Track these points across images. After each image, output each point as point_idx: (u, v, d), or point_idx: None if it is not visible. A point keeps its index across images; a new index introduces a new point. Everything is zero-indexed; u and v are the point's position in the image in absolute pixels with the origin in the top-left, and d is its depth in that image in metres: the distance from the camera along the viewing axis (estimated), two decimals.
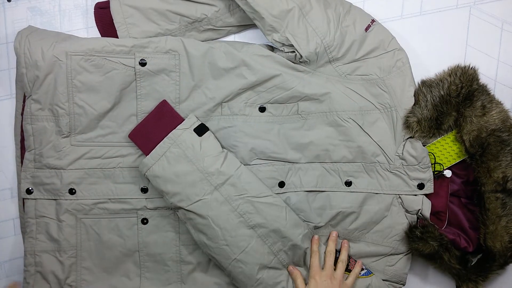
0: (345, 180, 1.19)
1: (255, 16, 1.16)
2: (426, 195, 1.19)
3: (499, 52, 1.28)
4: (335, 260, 1.15)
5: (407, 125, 1.15)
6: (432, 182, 1.17)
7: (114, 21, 1.19)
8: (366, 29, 1.17)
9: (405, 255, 1.19)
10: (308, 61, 1.17)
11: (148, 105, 1.17)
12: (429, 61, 1.26)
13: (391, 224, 1.19)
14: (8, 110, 1.26)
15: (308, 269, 1.15)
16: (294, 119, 1.19)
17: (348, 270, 1.14)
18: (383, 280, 1.18)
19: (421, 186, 1.17)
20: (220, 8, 1.21)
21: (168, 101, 1.17)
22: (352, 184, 1.19)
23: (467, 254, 1.19)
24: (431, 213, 1.18)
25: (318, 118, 1.19)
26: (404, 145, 1.17)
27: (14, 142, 1.22)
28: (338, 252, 1.18)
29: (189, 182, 1.12)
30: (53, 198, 1.18)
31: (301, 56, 1.16)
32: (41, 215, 1.19)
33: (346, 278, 1.14)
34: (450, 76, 1.15)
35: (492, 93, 1.17)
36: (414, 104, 1.16)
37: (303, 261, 1.15)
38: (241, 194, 1.13)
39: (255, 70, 1.16)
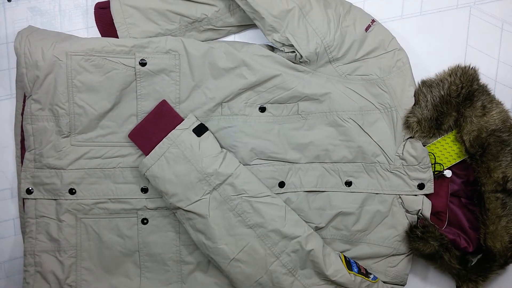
0: (345, 180, 1.19)
1: (255, 16, 1.16)
2: (426, 195, 1.18)
3: (499, 52, 1.28)
4: (345, 260, 1.15)
5: (407, 125, 1.15)
6: (432, 182, 1.17)
7: (114, 21, 1.19)
8: (366, 29, 1.17)
9: (406, 256, 1.19)
10: (308, 61, 1.17)
11: (148, 105, 1.17)
12: (429, 61, 1.26)
13: (392, 224, 1.19)
14: (8, 110, 1.26)
15: (316, 273, 1.14)
16: (294, 119, 1.19)
17: (361, 273, 1.14)
18: (384, 282, 1.18)
19: (421, 186, 1.17)
20: (220, 8, 1.21)
21: (168, 101, 1.17)
22: (352, 184, 1.19)
23: (467, 254, 1.19)
24: (431, 213, 1.18)
25: (318, 118, 1.19)
26: (404, 145, 1.17)
27: (14, 142, 1.22)
28: (341, 254, 1.18)
29: (188, 183, 1.12)
30: (53, 198, 1.18)
31: (301, 56, 1.16)
32: (41, 215, 1.19)
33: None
34: (450, 76, 1.15)
35: (492, 93, 1.17)
36: (414, 104, 1.16)
37: (310, 265, 1.14)
38: (240, 194, 1.13)
39: (255, 70, 1.16)
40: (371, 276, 1.15)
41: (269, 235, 1.12)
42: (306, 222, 1.18)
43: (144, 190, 1.19)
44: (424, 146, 1.17)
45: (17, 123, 1.21)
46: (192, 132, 1.14)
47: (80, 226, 1.19)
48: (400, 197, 1.18)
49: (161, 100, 1.17)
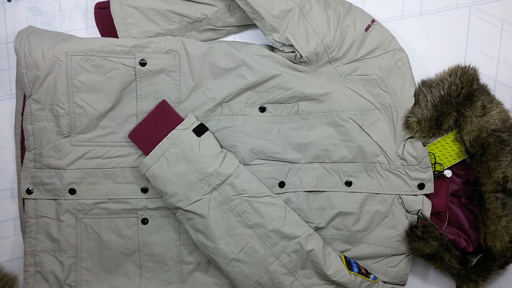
0: (345, 180, 1.19)
1: (255, 16, 1.16)
2: (427, 195, 1.18)
3: (499, 52, 1.28)
4: (345, 260, 1.15)
5: (407, 125, 1.15)
6: (433, 182, 1.17)
7: (114, 21, 1.19)
8: (366, 29, 1.17)
9: (406, 256, 1.19)
10: (308, 61, 1.17)
11: (148, 105, 1.17)
12: (429, 61, 1.26)
13: (392, 224, 1.19)
14: (8, 110, 1.26)
15: (316, 273, 1.14)
16: (294, 119, 1.19)
17: (361, 273, 1.14)
18: (384, 282, 1.17)
19: (421, 186, 1.17)
20: (220, 8, 1.21)
21: (168, 101, 1.17)
22: (352, 184, 1.19)
23: (467, 254, 1.19)
24: (431, 213, 1.18)
25: (318, 118, 1.19)
26: (404, 145, 1.17)
27: (14, 142, 1.22)
28: (341, 254, 1.18)
29: (188, 183, 1.12)
30: (53, 198, 1.18)
31: (301, 56, 1.16)
32: (41, 215, 1.18)
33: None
34: (450, 76, 1.15)
35: (492, 93, 1.17)
36: (414, 104, 1.16)
37: (310, 265, 1.14)
38: (239, 194, 1.13)
39: (255, 70, 1.16)
40: (371, 276, 1.15)
41: (269, 235, 1.12)
42: (306, 222, 1.18)
43: (144, 190, 1.19)
44: (424, 146, 1.17)
45: (17, 123, 1.21)
46: (192, 132, 1.14)
47: (80, 226, 1.19)
48: (400, 197, 1.18)
49: (161, 100, 1.17)
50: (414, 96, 1.16)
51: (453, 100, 1.14)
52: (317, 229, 1.18)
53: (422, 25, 1.28)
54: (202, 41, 1.21)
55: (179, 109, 1.18)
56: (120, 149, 1.18)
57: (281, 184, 1.19)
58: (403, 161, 1.17)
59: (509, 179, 1.12)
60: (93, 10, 1.23)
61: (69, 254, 1.19)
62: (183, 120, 1.16)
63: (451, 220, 1.20)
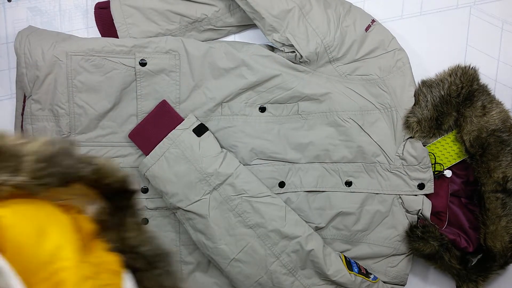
0: (345, 180, 1.19)
1: (255, 16, 1.16)
2: (427, 195, 1.18)
3: (499, 52, 1.28)
4: (345, 260, 1.15)
5: (407, 125, 1.15)
6: (433, 182, 1.17)
7: (114, 21, 1.19)
8: (366, 29, 1.17)
9: (406, 256, 1.19)
10: (308, 61, 1.17)
11: (148, 105, 1.17)
12: (429, 61, 1.26)
13: (392, 224, 1.19)
14: (8, 110, 1.26)
15: (316, 273, 1.14)
16: (294, 119, 1.19)
17: (361, 273, 1.14)
18: (384, 282, 1.17)
19: (421, 186, 1.17)
20: (220, 8, 1.21)
21: (168, 101, 1.17)
22: (352, 184, 1.19)
23: (467, 254, 1.19)
24: (431, 213, 1.18)
25: (318, 118, 1.19)
26: (404, 145, 1.17)
27: None
28: (341, 254, 1.18)
29: (188, 183, 1.12)
30: None
31: (301, 56, 1.16)
32: None
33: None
34: (450, 76, 1.15)
35: (492, 93, 1.17)
36: (414, 104, 1.16)
37: (311, 265, 1.14)
38: (240, 194, 1.13)
39: (255, 70, 1.16)
40: (372, 276, 1.15)
41: (269, 235, 1.12)
42: (306, 222, 1.17)
43: (144, 190, 1.19)
44: (424, 146, 1.17)
45: (17, 123, 1.21)
46: (192, 132, 1.14)
47: None
48: (400, 197, 1.18)
49: (161, 100, 1.17)
50: (414, 96, 1.16)
51: (453, 100, 1.14)
52: (317, 229, 1.18)
53: (422, 25, 1.28)
54: (202, 41, 1.21)
55: (179, 109, 1.18)
56: (120, 149, 1.18)
57: (281, 184, 1.19)
58: (403, 161, 1.17)
59: (509, 179, 1.12)
60: (93, 10, 1.23)
61: None
62: (183, 120, 1.16)
63: (451, 220, 1.20)
